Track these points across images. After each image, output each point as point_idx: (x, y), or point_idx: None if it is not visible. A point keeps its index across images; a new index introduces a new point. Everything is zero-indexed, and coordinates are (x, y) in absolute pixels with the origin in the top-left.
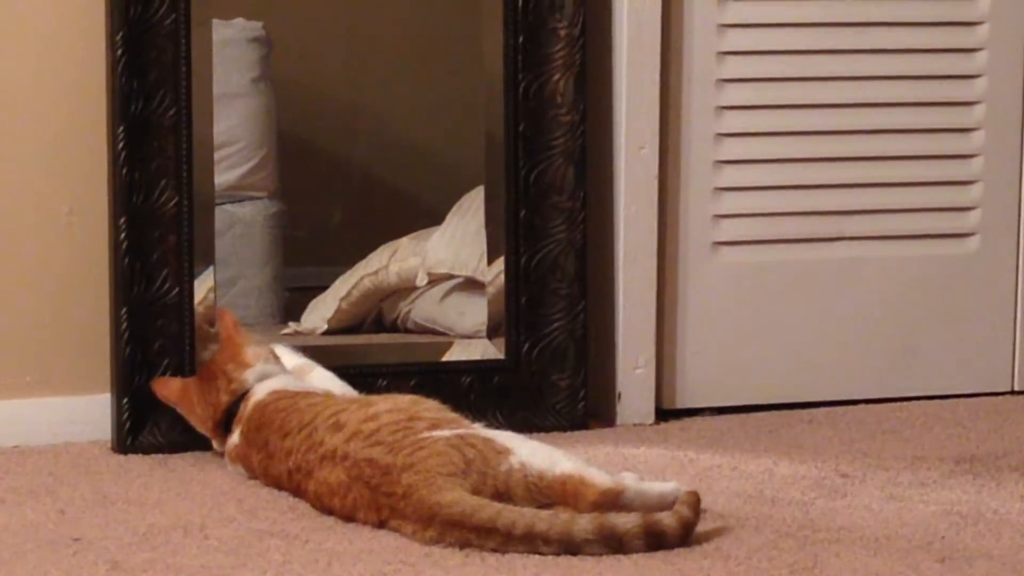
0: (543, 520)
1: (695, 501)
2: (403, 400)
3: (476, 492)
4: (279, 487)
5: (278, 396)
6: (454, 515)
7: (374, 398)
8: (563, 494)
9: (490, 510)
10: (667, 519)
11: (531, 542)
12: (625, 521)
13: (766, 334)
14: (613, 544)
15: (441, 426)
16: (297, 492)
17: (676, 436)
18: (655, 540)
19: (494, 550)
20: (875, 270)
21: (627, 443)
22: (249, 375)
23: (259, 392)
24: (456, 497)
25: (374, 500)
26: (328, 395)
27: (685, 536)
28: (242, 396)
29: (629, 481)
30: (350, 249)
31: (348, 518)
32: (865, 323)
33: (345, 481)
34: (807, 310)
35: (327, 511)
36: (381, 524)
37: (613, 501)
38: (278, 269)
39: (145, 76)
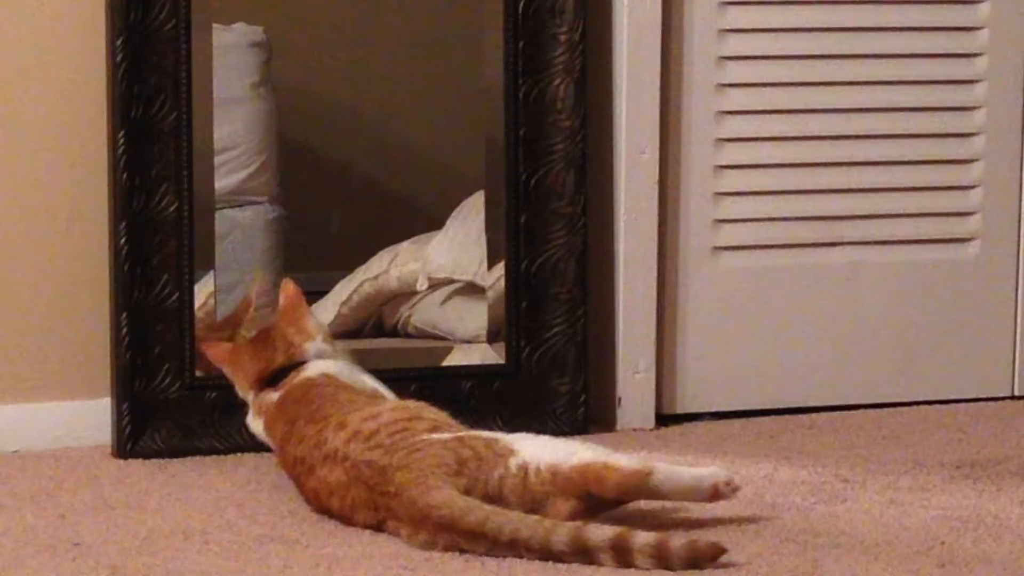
0: (528, 527)
1: (706, 551)
2: (410, 404)
3: (467, 494)
4: (285, 468)
5: (328, 380)
6: (444, 517)
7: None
8: (584, 483)
9: (479, 513)
10: (640, 537)
11: (516, 548)
12: (597, 534)
13: (766, 339)
14: (584, 557)
15: (442, 429)
16: (298, 482)
17: (676, 441)
18: (622, 556)
19: (483, 554)
20: (875, 275)
21: (627, 448)
22: (310, 347)
23: (312, 369)
24: (446, 498)
25: (371, 500)
26: (373, 396)
27: (660, 561)
28: (297, 365)
29: (659, 463)
30: (350, 254)
31: (346, 518)
32: (865, 328)
33: (344, 482)
34: (807, 315)
35: (324, 510)
36: (379, 524)
37: (639, 484)
38: (279, 274)
39: (145, 81)
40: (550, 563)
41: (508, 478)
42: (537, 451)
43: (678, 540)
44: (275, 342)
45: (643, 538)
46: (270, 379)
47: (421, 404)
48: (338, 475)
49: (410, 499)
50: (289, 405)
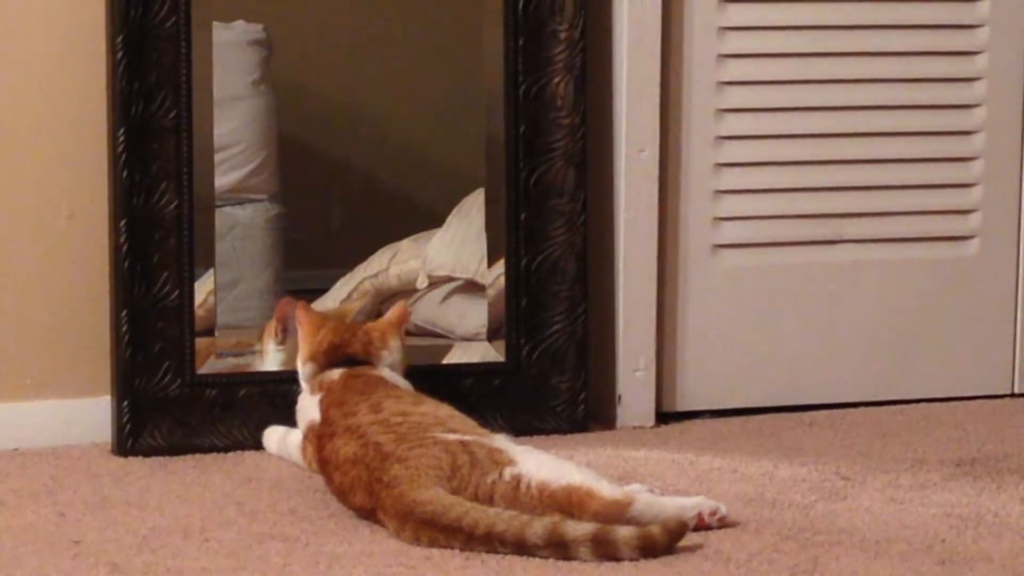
0: (503, 521)
1: (676, 528)
2: (444, 408)
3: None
4: (321, 429)
5: (398, 386)
6: (427, 513)
7: (426, 398)
8: (567, 504)
9: (459, 509)
10: (622, 531)
11: (490, 543)
12: (575, 529)
13: (766, 337)
14: (560, 551)
15: (457, 433)
16: (319, 441)
17: (676, 439)
18: (603, 549)
19: (462, 549)
20: (875, 273)
21: (627, 446)
22: (385, 355)
23: (387, 375)
24: (431, 496)
25: (369, 483)
26: (436, 406)
27: (644, 551)
28: (367, 362)
29: (640, 494)
30: (350, 251)
31: (343, 496)
32: (865, 326)
33: (351, 458)
34: (807, 313)
35: (327, 480)
36: (371, 512)
37: (619, 513)
38: (278, 272)
39: (145, 78)
40: (551, 560)
41: (500, 484)
42: (535, 467)
43: (656, 527)
44: (356, 333)
45: (625, 531)
46: (338, 360)
47: (455, 415)
48: (350, 450)
49: (399, 493)
50: (356, 383)
